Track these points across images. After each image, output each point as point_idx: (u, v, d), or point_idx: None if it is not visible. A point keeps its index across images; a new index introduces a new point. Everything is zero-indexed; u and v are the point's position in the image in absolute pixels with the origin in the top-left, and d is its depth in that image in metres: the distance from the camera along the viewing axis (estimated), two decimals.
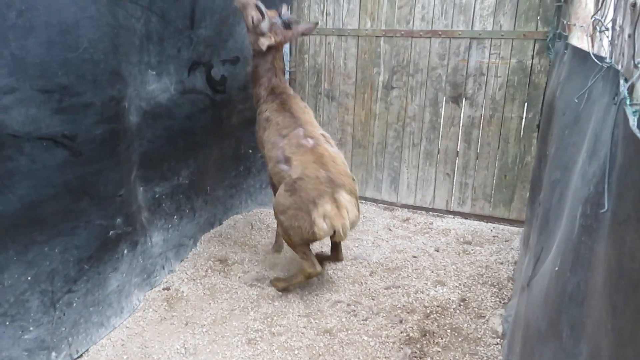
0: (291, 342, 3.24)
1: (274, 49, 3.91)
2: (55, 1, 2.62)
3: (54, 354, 2.89)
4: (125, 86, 3.24)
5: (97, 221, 3.11)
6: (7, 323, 2.62)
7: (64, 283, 2.93)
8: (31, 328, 2.75)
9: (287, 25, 3.91)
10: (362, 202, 5.52)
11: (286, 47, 5.60)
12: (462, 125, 5.09)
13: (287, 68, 5.66)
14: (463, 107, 5.06)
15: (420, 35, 5.02)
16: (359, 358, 3.09)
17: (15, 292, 2.65)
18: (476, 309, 3.59)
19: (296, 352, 3.15)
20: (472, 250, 4.54)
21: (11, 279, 2.62)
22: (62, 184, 2.82)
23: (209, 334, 3.33)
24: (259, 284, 3.92)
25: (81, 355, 3.08)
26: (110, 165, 3.15)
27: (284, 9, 3.98)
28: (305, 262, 3.61)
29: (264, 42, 3.78)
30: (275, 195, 3.80)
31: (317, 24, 4.22)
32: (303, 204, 3.39)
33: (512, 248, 4.52)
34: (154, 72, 3.58)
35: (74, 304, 3.01)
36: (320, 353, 3.14)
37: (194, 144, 4.14)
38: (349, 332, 3.35)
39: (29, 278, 2.71)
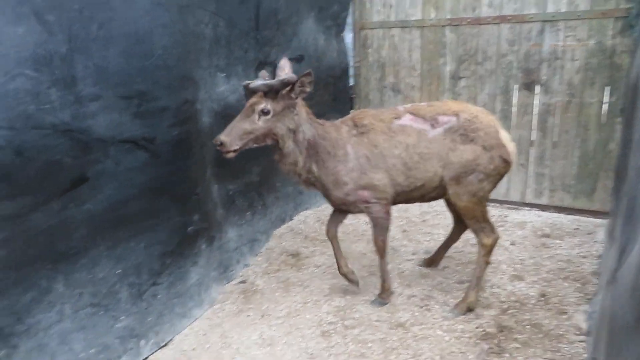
0: (364, 335, 3.25)
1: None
2: (131, 12, 2.80)
3: (142, 341, 3.09)
4: (197, 89, 3.39)
5: (176, 218, 3.28)
6: (101, 313, 2.84)
7: (149, 276, 3.12)
8: (122, 317, 2.96)
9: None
10: None
11: (349, 41, 5.61)
12: (537, 113, 4.85)
13: (350, 63, 5.67)
14: (537, 94, 4.83)
15: (488, 22, 4.84)
16: (433, 352, 3.04)
17: (107, 284, 2.86)
18: (557, 305, 3.42)
19: (370, 345, 3.16)
20: (552, 243, 4.32)
21: (103, 272, 2.83)
22: (143, 184, 3.01)
23: (284, 326, 3.41)
24: (330, 278, 3.96)
25: (167, 343, 3.27)
26: (186, 166, 3.31)
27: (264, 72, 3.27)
28: (490, 225, 3.32)
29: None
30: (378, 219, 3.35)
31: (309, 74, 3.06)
32: (487, 142, 3.11)
33: (595, 241, 4.26)
34: (223, 74, 3.72)
35: (159, 296, 3.20)
36: (394, 347, 3.12)
37: None
38: (423, 326, 3.31)
39: (119, 271, 2.92)
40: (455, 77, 5.16)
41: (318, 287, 3.86)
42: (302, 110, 3.18)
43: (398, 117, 3.29)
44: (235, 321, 3.50)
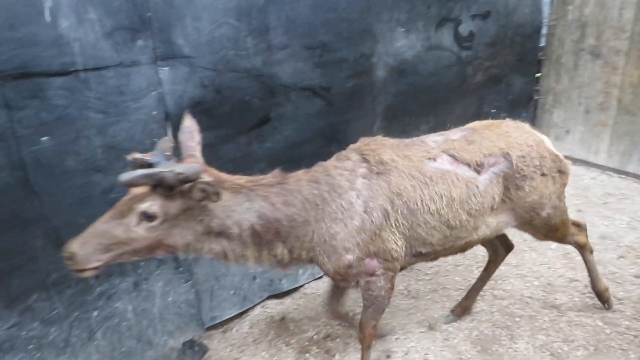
0: (513, 309, 3.16)
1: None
2: None
3: (300, 271, 3.46)
4: (375, 43, 3.49)
5: None
6: None
7: None
8: None
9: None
10: (622, 178, 4.83)
11: None
12: None
13: (545, 21, 5.16)
14: None
15: None
16: (587, 342, 2.84)
17: None
18: None
19: (517, 319, 3.07)
20: None
21: None
22: (317, 129, 3.28)
23: (431, 283, 3.48)
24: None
25: (321, 276, 3.59)
26: (357, 116, 3.49)
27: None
28: (574, 227, 2.92)
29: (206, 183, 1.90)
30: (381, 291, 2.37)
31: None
32: (545, 167, 2.52)
33: None
34: (403, 29, 3.74)
35: None
36: (544, 327, 2.99)
37: (435, 100, 4.22)
38: (581, 313, 3.08)
39: None
40: None
41: (472, 253, 3.79)
42: (225, 195, 2.00)
43: (433, 157, 2.37)
44: None
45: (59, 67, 2.21)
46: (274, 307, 3.41)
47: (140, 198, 1.84)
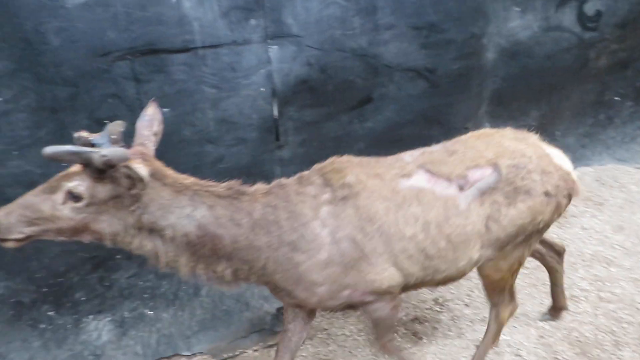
0: (621, 314, 2.93)
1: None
2: None
3: None
4: (486, 23, 3.34)
5: None
6: None
7: None
8: None
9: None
10: None
11: None
12: None
13: None
14: None
15: None
16: None
17: None
18: None
19: (624, 325, 2.84)
20: None
21: None
22: (419, 111, 3.24)
23: (530, 277, 3.32)
24: (596, 244, 3.60)
25: None
26: (461, 99, 3.39)
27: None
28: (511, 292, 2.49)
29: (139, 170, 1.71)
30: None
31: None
32: (547, 185, 2.07)
33: None
34: (518, 9, 3.52)
35: None
36: None
37: (550, 85, 3.95)
38: None
39: None
40: None
41: (578, 250, 3.55)
42: (165, 192, 1.80)
43: (407, 175, 2.02)
44: None
45: (181, 45, 2.41)
46: None
47: (70, 176, 1.70)
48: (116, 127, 1.79)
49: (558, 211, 2.12)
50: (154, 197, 1.76)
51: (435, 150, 2.11)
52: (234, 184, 1.92)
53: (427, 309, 3.15)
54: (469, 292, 3.23)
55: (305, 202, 1.91)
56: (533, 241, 2.24)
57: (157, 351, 2.78)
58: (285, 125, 2.83)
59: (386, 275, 1.96)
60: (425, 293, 3.22)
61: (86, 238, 1.78)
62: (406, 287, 2.11)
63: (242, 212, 1.87)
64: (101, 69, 2.29)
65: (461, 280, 3.26)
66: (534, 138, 2.21)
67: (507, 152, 2.06)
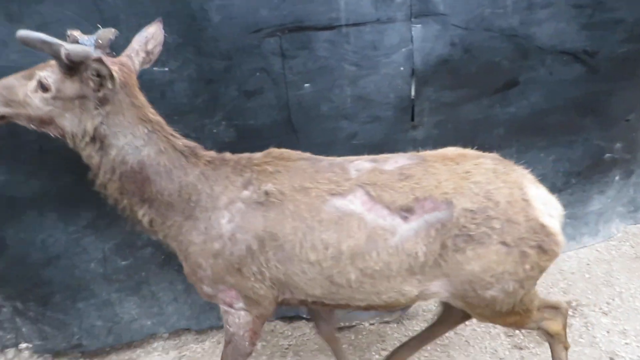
0: None
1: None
2: None
3: None
4: None
5: (595, 140, 3.14)
6: None
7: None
8: None
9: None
10: None
11: None
12: None
13: None
14: None
15: None
16: None
17: None
18: None
19: None
20: None
21: None
22: (571, 98, 2.97)
23: None
24: None
25: None
26: (625, 87, 3.02)
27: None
28: (546, 309, 2.16)
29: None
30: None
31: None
32: (511, 235, 1.79)
33: None
34: None
35: None
36: None
37: None
38: None
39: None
40: None
41: None
42: (129, 112, 1.81)
43: (341, 194, 1.84)
44: (628, 265, 3.22)
45: (327, 22, 2.48)
46: None
47: (44, 67, 1.78)
48: (107, 33, 1.81)
49: (525, 263, 1.81)
50: (117, 111, 1.79)
51: (388, 170, 1.88)
52: (194, 145, 1.95)
53: None
54: (610, 300, 2.95)
55: (227, 190, 1.89)
56: (518, 295, 1.89)
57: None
58: (421, 106, 2.78)
59: (264, 288, 1.93)
60: (558, 294, 3.01)
61: (52, 132, 1.84)
62: (319, 304, 2.02)
63: (181, 170, 1.89)
64: (253, 45, 2.45)
65: (601, 287, 3.01)
66: (518, 174, 1.89)
67: (470, 190, 1.79)
